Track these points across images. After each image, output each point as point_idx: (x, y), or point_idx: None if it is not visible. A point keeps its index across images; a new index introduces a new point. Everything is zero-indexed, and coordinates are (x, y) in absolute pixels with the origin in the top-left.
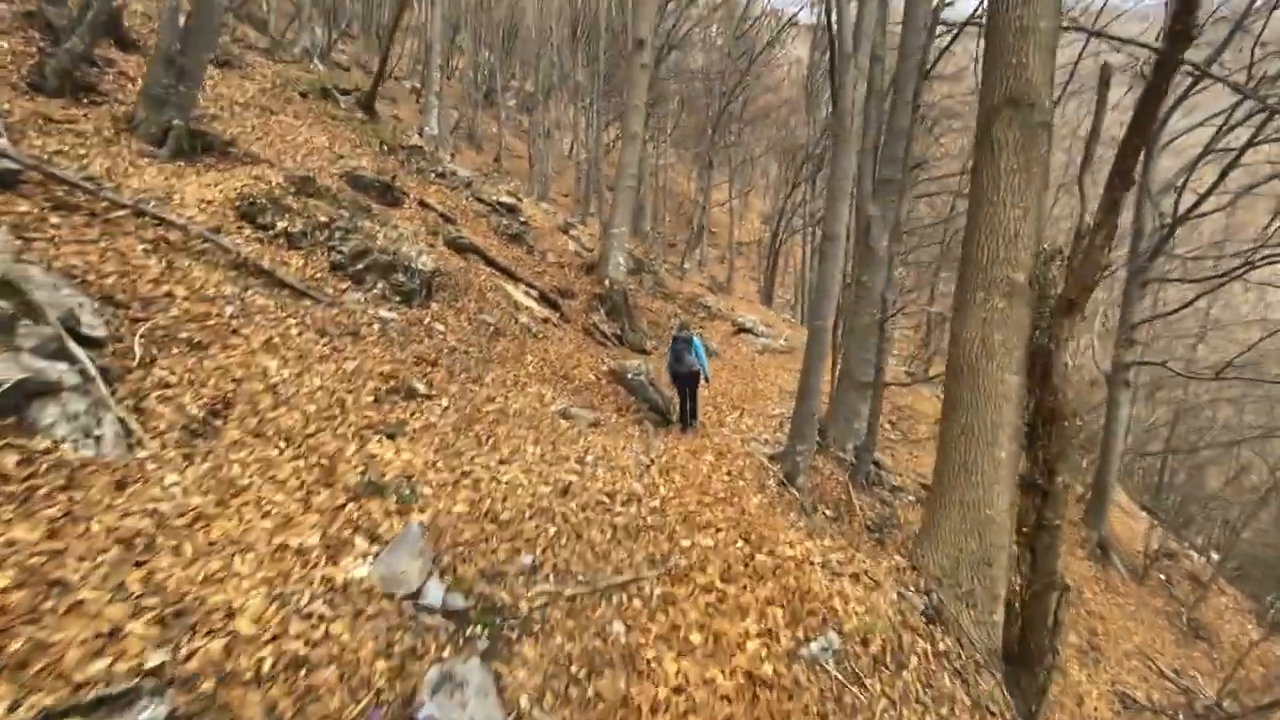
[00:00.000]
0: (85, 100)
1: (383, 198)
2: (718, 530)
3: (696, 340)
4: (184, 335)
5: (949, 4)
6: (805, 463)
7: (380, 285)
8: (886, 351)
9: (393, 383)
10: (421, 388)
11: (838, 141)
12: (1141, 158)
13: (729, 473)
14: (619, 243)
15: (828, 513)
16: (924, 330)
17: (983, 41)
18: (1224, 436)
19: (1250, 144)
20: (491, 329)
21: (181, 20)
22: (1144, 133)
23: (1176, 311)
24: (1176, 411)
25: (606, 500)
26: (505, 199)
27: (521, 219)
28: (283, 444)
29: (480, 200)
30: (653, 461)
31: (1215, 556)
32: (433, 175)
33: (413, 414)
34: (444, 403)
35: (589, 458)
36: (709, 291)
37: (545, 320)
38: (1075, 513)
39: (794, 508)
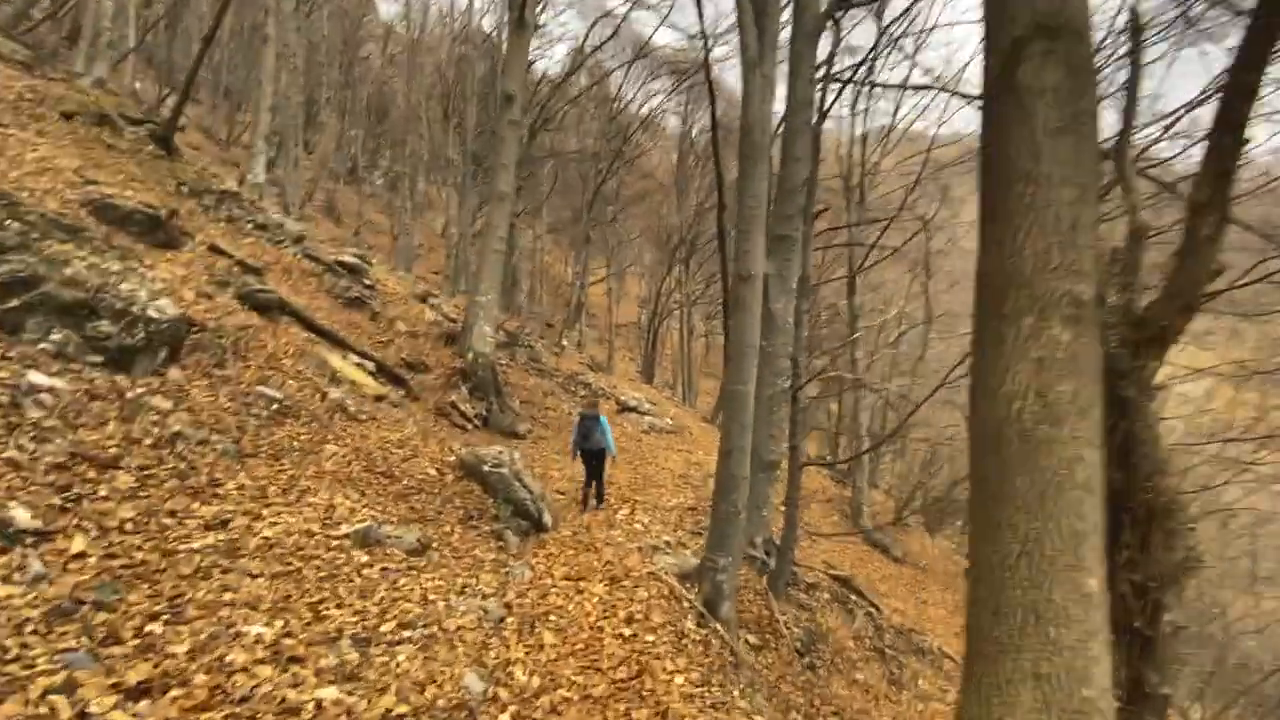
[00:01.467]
0: None
1: (147, 236)
2: None
3: (604, 418)
4: None
5: (834, 59)
6: (731, 583)
7: (57, 336)
8: (803, 424)
9: None
10: (24, 518)
11: (746, 163)
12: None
13: (629, 619)
14: (486, 312)
15: (750, 639)
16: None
17: None
18: None
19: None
20: (274, 407)
21: None
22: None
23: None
24: None
25: None
26: (347, 259)
27: (366, 282)
28: None
29: (313, 258)
30: (510, 609)
31: None
32: (249, 225)
33: None
34: (77, 545)
35: (387, 626)
36: (589, 369)
37: (380, 398)
38: None
39: (728, 664)
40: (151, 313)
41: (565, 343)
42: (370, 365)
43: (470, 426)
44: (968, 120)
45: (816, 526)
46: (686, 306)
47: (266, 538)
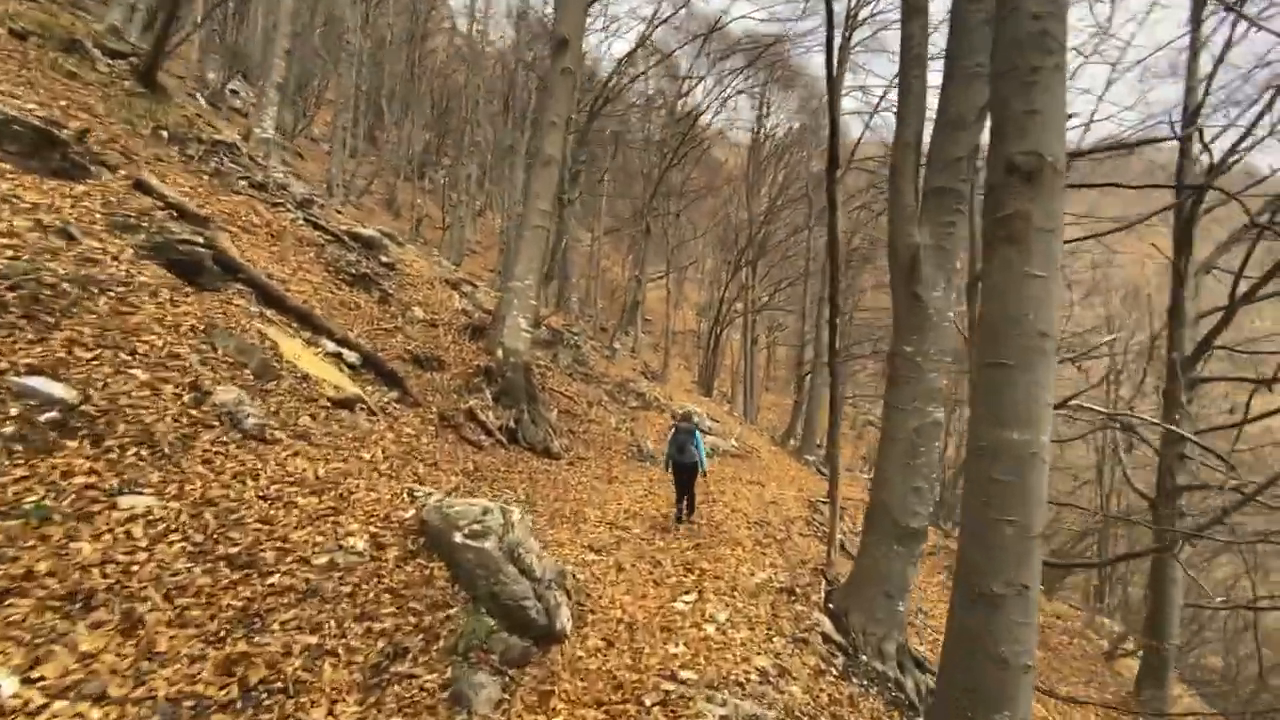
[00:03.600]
0: None
1: (26, 157)
2: None
3: (698, 433)
4: None
5: None
6: None
7: None
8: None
9: None
10: None
11: None
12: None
13: None
14: (522, 300)
15: None
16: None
17: None
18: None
19: None
20: (44, 418)
21: None
22: None
23: (1248, 422)
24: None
25: None
26: (363, 231)
27: (384, 259)
28: None
29: (318, 226)
30: None
31: None
32: (241, 182)
33: None
34: None
35: None
36: (643, 377)
37: (345, 403)
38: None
39: None
40: None
41: (618, 346)
42: (353, 356)
43: (488, 441)
44: None
45: (930, 604)
46: (751, 313)
47: None
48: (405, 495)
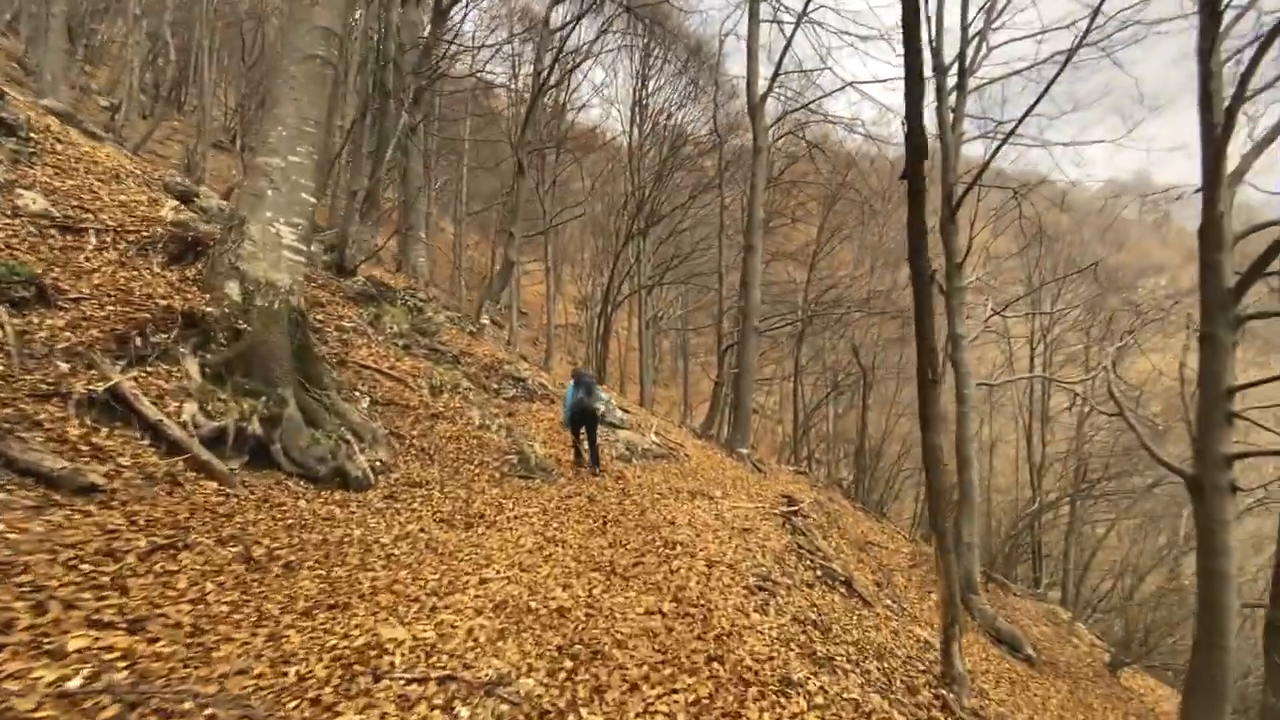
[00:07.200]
0: None
1: None
2: None
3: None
4: None
5: None
6: None
7: None
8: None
9: None
10: None
11: None
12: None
13: None
14: (285, 192)
15: None
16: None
17: None
18: None
19: None
20: None
21: None
22: None
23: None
24: None
25: None
26: None
27: None
28: None
29: None
30: None
31: None
32: None
33: None
34: None
35: None
36: (521, 359)
37: None
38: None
39: None
40: None
41: (486, 320)
42: None
43: (164, 467)
44: None
45: (917, 608)
46: (642, 290)
47: None
48: None
